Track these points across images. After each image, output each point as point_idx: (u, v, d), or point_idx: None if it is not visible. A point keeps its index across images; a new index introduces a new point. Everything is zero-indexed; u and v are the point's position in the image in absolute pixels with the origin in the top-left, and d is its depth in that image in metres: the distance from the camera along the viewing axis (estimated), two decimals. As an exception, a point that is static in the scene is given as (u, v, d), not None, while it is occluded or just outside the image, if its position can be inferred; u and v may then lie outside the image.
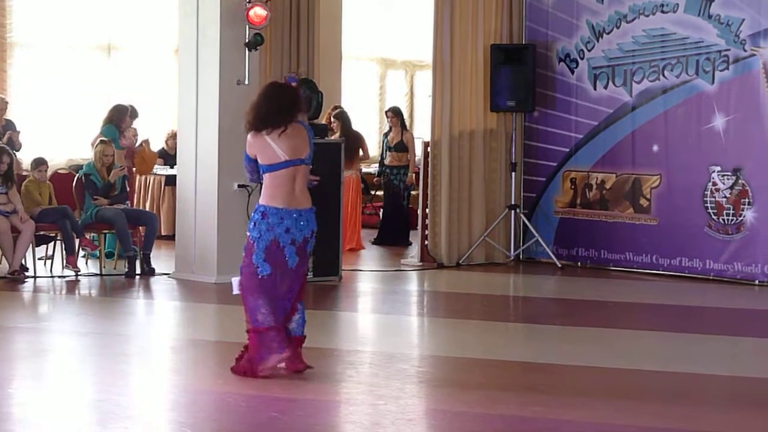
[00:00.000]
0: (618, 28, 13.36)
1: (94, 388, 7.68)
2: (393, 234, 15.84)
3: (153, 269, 12.53)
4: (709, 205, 12.65)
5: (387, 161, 15.87)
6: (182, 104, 12.38)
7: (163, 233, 14.81)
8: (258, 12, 11.90)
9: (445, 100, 13.67)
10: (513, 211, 14.01)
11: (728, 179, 12.50)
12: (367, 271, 13.43)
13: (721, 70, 12.54)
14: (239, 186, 11.87)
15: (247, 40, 11.95)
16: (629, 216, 13.37)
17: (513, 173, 14.03)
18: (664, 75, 12.99)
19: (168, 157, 16.00)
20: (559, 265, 13.60)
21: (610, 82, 13.44)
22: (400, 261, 14.10)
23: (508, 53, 13.80)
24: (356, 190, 15.48)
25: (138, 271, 12.47)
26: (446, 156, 13.65)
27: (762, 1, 12.26)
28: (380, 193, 16.60)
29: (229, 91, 11.90)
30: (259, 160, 7.70)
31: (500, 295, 12.42)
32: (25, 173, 13.27)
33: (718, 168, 12.56)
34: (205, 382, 7.72)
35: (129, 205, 13.22)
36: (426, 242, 13.81)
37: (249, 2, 11.87)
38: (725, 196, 12.52)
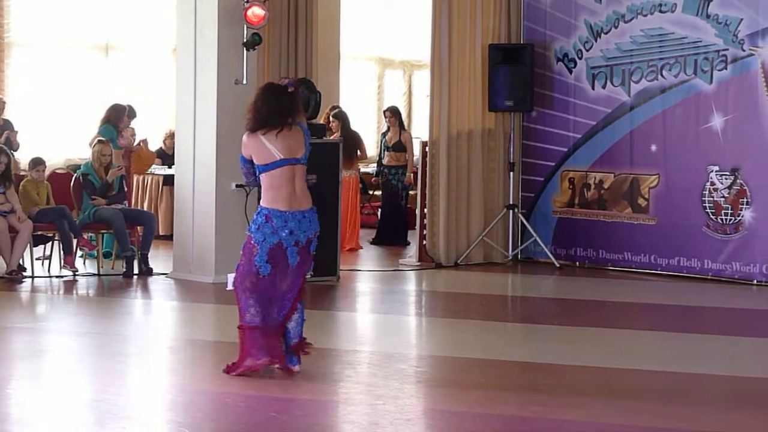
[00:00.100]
0: (616, 27, 13.36)
1: (91, 388, 7.67)
2: (391, 234, 15.84)
3: (151, 269, 12.52)
4: (707, 204, 12.64)
5: (385, 161, 15.86)
6: (180, 104, 12.37)
7: (160, 233, 14.81)
8: (256, 12, 11.89)
9: (444, 100, 13.66)
10: (511, 211, 14.00)
11: (726, 179, 12.50)
12: (365, 271, 13.42)
13: (719, 70, 12.54)
14: (237, 186, 11.86)
15: (245, 40, 11.94)
16: (627, 216, 13.36)
17: (511, 173, 14.03)
18: (662, 75, 12.99)
19: (166, 156, 15.99)
20: (558, 265, 13.59)
21: (609, 82, 13.44)
22: (398, 261, 14.10)
23: (506, 53, 13.79)
24: (355, 190, 15.48)
25: (136, 271, 12.46)
26: (444, 156, 13.65)
27: (760, 1, 12.25)
28: (378, 193, 16.60)
29: (227, 91, 11.89)
30: (255, 161, 7.71)
31: (499, 295, 12.41)
32: (22, 173, 13.25)
33: (717, 168, 12.56)
34: (203, 382, 7.71)
35: (127, 205, 13.21)
36: (424, 242, 13.80)
37: (247, 2, 11.86)
38: (723, 196, 12.52)
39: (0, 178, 12.11)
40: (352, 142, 15.26)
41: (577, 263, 13.76)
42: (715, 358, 8.94)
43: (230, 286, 7.81)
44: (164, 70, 16.96)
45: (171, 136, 15.22)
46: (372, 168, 17.31)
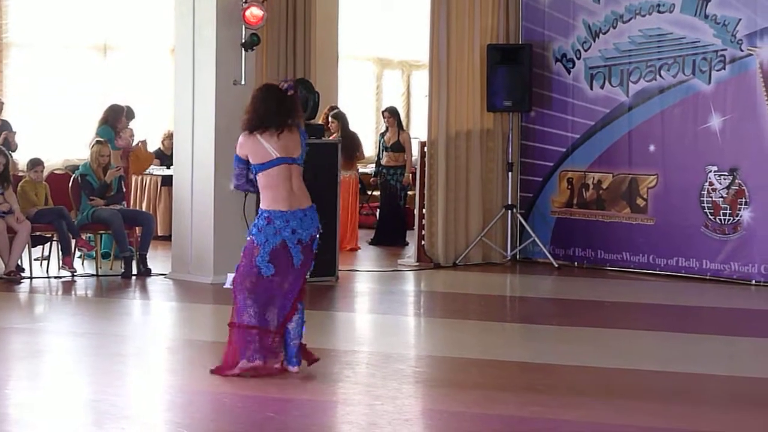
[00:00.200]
0: (614, 28, 13.36)
1: (90, 389, 7.67)
2: (390, 234, 15.84)
3: (149, 270, 12.52)
4: (705, 205, 12.64)
5: (384, 161, 15.86)
6: (178, 104, 12.37)
7: (159, 234, 14.81)
8: (254, 12, 11.90)
9: (442, 100, 13.66)
10: (510, 211, 14.00)
11: (725, 179, 12.50)
12: (363, 272, 13.42)
13: (717, 70, 12.54)
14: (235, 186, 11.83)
15: (243, 40, 11.94)
16: (626, 216, 13.36)
17: (510, 173, 14.02)
18: (660, 75, 12.99)
19: (164, 157, 15.99)
20: (556, 265, 13.59)
21: (607, 82, 13.44)
22: (396, 261, 14.10)
23: (504, 53, 13.79)
24: (355, 191, 15.48)
25: (134, 271, 12.45)
26: (443, 156, 13.65)
27: (758, 1, 12.25)
28: (377, 193, 16.60)
29: (226, 91, 11.89)
30: (251, 161, 7.71)
31: (497, 295, 12.40)
32: (21, 174, 13.25)
33: (715, 168, 12.56)
34: (201, 382, 7.70)
35: (125, 205, 13.20)
36: (423, 242, 13.80)
37: (245, 2, 11.86)
38: (722, 196, 12.52)
39: (-2, 179, 12.12)
40: (352, 142, 15.27)
41: (576, 263, 13.75)
42: (714, 358, 8.94)
43: (228, 285, 7.82)
44: (163, 71, 16.95)
45: (169, 137, 15.22)
46: (370, 168, 17.31)
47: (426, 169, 13.74)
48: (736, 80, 12.41)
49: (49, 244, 12.85)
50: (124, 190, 13.23)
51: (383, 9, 20.14)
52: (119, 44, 17.27)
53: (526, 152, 14.19)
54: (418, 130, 17.05)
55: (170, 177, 13.60)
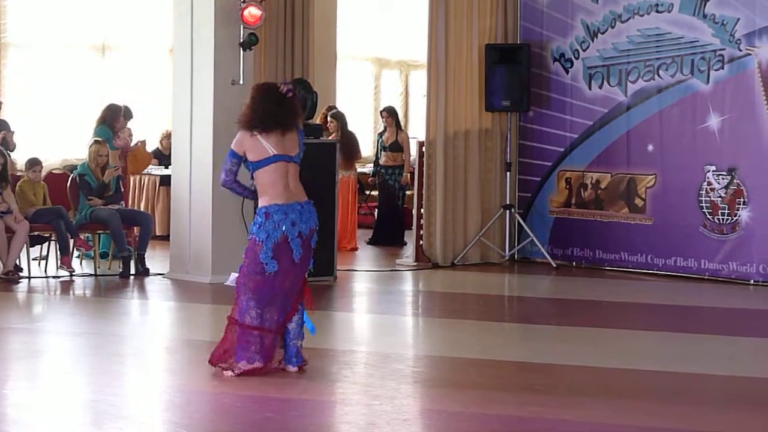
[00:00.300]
0: (613, 27, 13.36)
1: (88, 389, 7.67)
2: (388, 234, 15.83)
3: (147, 269, 12.51)
4: (704, 204, 12.64)
5: (382, 161, 15.86)
6: (177, 104, 12.37)
7: (157, 233, 14.79)
8: (252, 12, 11.89)
9: (440, 100, 13.66)
10: (508, 211, 13.99)
11: (723, 179, 12.50)
12: (362, 271, 13.42)
13: (716, 70, 12.54)
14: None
15: (241, 40, 11.94)
16: (624, 216, 13.36)
17: (508, 173, 14.02)
18: (659, 75, 12.99)
19: (162, 157, 15.98)
20: (554, 265, 13.59)
21: (605, 82, 13.43)
22: (395, 261, 14.10)
23: (502, 53, 13.79)
24: (354, 191, 15.48)
25: (132, 271, 12.45)
26: (441, 156, 13.65)
27: (757, 1, 12.25)
28: (375, 193, 16.59)
29: (224, 91, 11.89)
30: (249, 158, 7.74)
31: (495, 295, 12.40)
32: (19, 173, 13.25)
33: (713, 168, 12.56)
34: (199, 382, 7.70)
35: (123, 205, 13.20)
36: (421, 242, 13.80)
37: (243, 2, 11.86)
38: (720, 196, 12.52)
39: (-4, 179, 12.12)
40: (351, 142, 15.27)
41: (574, 263, 13.75)
42: (713, 357, 8.94)
43: (228, 283, 7.83)
44: (161, 70, 16.94)
45: (168, 137, 15.21)
46: (368, 168, 17.30)
47: (424, 168, 13.74)
48: (735, 80, 12.41)
49: (47, 243, 12.84)
50: (123, 189, 13.23)
51: (381, 9, 20.13)
52: (118, 44, 17.25)
53: (525, 152, 14.19)
54: (417, 130, 17.05)
55: (168, 177, 13.59)
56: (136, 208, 15.04)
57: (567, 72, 13.76)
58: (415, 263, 13.74)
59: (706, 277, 12.64)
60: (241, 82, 11.90)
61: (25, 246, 12.20)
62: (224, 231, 11.76)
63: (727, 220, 12.49)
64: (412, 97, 20.68)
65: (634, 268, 13.24)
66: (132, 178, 15.23)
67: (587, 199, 13.69)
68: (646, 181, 13.13)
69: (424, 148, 13.79)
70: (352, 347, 9.20)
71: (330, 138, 14.33)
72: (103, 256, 13.20)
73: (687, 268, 12.80)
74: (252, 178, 7.80)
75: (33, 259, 12.60)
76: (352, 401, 7.34)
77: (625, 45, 13.26)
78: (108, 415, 6.87)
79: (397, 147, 15.79)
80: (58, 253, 12.43)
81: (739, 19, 12.33)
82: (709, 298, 11.90)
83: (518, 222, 14.01)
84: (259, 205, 7.75)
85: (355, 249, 15.18)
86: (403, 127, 16.69)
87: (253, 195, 7.91)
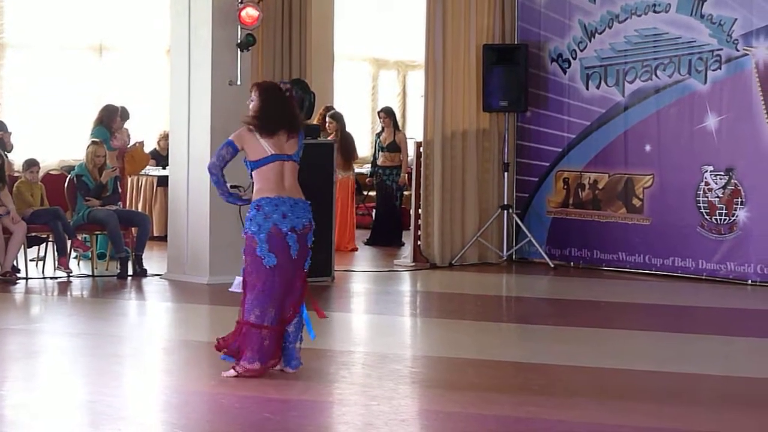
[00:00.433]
0: (610, 28, 13.36)
1: (86, 390, 7.67)
2: (386, 234, 15.84)
3: (145, 270, 12.51)
4: (701, 204, 12.65)
5: (379, 162, 15.86)
6: (174, 105, 12.36)
7: (155, 234, 14.79)
8: (250, 12, 11.89)
9: (438, 101, 13.67)
10: (506, 211, 14.00)
11: (721, 179, 12.51)
12: (359, 272, 13.43)
13: (713, 70, 12.55)
14: (231, 186, 11.77)
15: (239, 41, 11.94)
16: (622, 216, 13.37)
17: (506, 173, 14.03)
18: (656, 75, 12.99)
19: (160, 157, 15.98)
20: (552, 266, 13.60)
21: (603, 82, 13.44)
22: (392, 261, 14.10)
23: (500, 53, 13.80)
24: (352, 192, 15.49)
25: (130, 272, 12.45)
26: (439, 156, 13.65)
27: (754, 1, 12.26)
28: (373, 193, 16.60)
29: (221, 91, 11.89)
30: (247, 157, 7.76)
31: (493, 296, 12.40)
32: (16, 174, 13.24)
33: (711, 168, 12.57)
34: (197, 382, 7.70)
35: (121, 206, 13.20)
36: (419, 242, 13.80)
37: (241, 2, 11.86)
38: (718, 196, 12.52)
39: (-6, 180, 12.11)
40: (350, 143, 15.28)
41: (572, 263, 13.76)
42: (710, 358, 8.94)
43: (233, 288, 7.83)
44: (158, 71, 16.96)
45: (165, 137, 15.21)
46: (366, 169, 17.31)
47: (422, 169, 13.74)
48: (732, 80, 12.42)
49: (44, 244, 12.84)
50: (120, 190, 13.23)
51: (379, 9, 20.14)
52: (115, 45, 17.26)
53: (522, 152, 14.19)
54: (414, 131, 17.07)
55: (166, 177, 13.58)
56: (133, 208, 15.06)
57: (564, 72, 13.76)
58: (413, 263, 13.74)
59: (703, 278, 12.64)
60: (239, 82, 11.90)
61: (22, 247, 12.20)
62: (222, 232, 11.76)
63: (725, 220, 12.50)
64: (410, 98, 20.70)
65: (631, 269, 13.24)
66: (129, 179, 15.24)
67: (585, 199, 13.69)
68: (644, 182, 13.14)
69: (421, 149, 13.80)
70: (350, 348, 9.20)
71: (329, 138, 14.33)
72: (101, 256, 13.20)
73: (685, 268, 12.81)
74: (251, 177, 7.81)
75: (30, 260, 12.61)
76: (349, 402, 7.34)
77: (622, 45, 13.27)
78: (106, 415, 6.86)
79: (395, 147, 15.80)
80: (56, 254, 12.44)
81: (736, 19, 12.34)
82: (706, 298, 11.90)
83: (516, 222, 14.02)
84: (252, 199, 7.77)
85: (355, 249, 15.18)
86: (400, 128, 16.69)
87: (228, 196, 7.93)
